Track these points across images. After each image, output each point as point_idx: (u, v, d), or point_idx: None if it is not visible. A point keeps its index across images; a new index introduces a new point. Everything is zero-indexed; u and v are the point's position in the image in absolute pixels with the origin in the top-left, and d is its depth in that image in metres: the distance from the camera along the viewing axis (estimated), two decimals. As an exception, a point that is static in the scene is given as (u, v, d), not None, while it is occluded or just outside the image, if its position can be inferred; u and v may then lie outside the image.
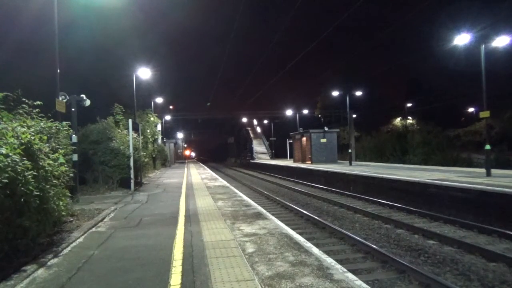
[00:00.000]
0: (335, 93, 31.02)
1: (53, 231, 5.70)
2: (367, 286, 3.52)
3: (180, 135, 58.85)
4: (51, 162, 5.34)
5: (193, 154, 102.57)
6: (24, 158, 4.42)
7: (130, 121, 12.75)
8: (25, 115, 6.08)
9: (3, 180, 3.87)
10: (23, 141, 4.72)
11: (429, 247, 6.85)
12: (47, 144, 5.70)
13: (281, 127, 50.32)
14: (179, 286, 3.53)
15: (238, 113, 55.94)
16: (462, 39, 13.21)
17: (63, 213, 5.90)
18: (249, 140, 53.46)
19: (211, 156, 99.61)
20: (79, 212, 7.62)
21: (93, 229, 6.29)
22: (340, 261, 5.07)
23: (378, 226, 8.71)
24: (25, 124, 5.50)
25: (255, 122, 57.13)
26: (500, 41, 12.18)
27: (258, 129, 55.80)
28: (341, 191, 14.84)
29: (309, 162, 26.94)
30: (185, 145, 73.88)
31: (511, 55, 23.84)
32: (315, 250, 4.72)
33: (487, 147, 12.36)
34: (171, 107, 48.22)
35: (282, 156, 44.47)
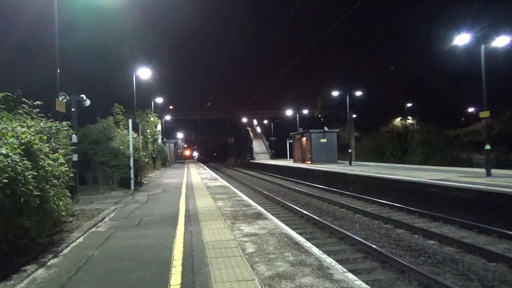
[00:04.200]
0: (335, 93, 31.07)
1: (53, 231, 5.70)
2: (367, 286, 3.52)
3: (180, 135, 58.84)
4: (51, 162, 5.34)
5: (193, 154, 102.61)
6: (24, 158, 4.42)
7: (130, 121, 12.75)
8: (25, 115, 6.07)
9: (3, 180, 3.87)
10: (23, 141, 4.72)
11: (429, 247, 6.85)
12: (47, 144, 5.70)
13: (281, 127, 50.35)
14: (179, 286, 3.53)
15: (238, 113, 56.02)
16: (462, 39, 13.22)
17: (63, 213, 5.90)
18: (249, 140, 53.47)
19: (211, 156, 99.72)
20: (79, 212, 7.62)
21: (93, 229, 6.29)
22: (340, 261, 5.07)
23: (378, 226, 8.71)
24: (25, 124, 5.50)
25: (255, 122, 57.17)
26: (500, 41, 12.18)
27: (258, 129, 55.81)
28: (341, 191, 14.84)
29: (309, 162, 26.93)
30: (185, 145, 73.86)
31: (511, 55, 23.83)
32: (315, 250, 4.72)
33: (487, 147, 12.36)
34: (171, 107, 48.31)
35: (282, 156, 44.47)
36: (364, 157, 34.90)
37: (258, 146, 50.46)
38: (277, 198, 13.64)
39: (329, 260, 4.26)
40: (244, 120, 56.08)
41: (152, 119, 25.01)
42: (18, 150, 4.40)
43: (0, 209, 3.96)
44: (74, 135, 9.10)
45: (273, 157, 46.23)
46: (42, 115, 6.57)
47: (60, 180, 5.72)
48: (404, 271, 5.48)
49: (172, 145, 42.10)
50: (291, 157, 36.55)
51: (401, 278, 5.34)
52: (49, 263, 4.37)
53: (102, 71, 23.70)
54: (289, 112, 46.55)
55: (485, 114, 12.32)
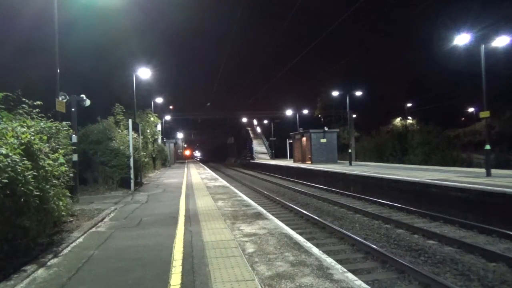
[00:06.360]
0: (335, 93, 31.05)
1: (53, 231, 5.71)
2: (367, 286, 3.52)
3: (180, 135, 58.81)
4: (51, 162, 5.34)
5: (193, 154, 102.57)
6: (24, 158, 4.42)
7: (130, 121, 12.75)
8: (25, 115, 6.08)
9: (3, 180, 3.87)
10: (23, 141, 4.72)
11: (429, 247, 6.85)
12: (47, 144, 5.70)
13: (281, 127, 50.28)
14: (179, 286, 3.53)
15: (238, 113, 55.88)
16: (462, 39, 13.21)
17: (63, 213, 5.90)
18: (249, 140, 53.49)
19: (211, 156, 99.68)
20: (79, 212, 7.62)
21: (93, 229, 6.29)
22: (340, 261, 5.07)
23: (378, 226, 8.71)
24: (25, 124, 5.50)
25: (255, 122, 57.13)
26: (500, 41, 12.17)
27: (258, 129, 55.82)
28: (341, 191, 14.83)
29: (309, 162, 26.94)
30: (185, 145, 73.81)
31: (511, 55, 23.82)
32: (315, 250, 4.72)
33: (487, 147, 12.36)
34: (171, 107, 48.25)
35: (282, 156, 44.46)
36: (364, 157, 34.93)
37: (258, 146, 50.47)
38: (277, 198, 13.64)
39: (329, 260, 4.26)
40: (244, 120, 56.00)
41: (152, 119, 25.02)
42: (18, 150, 4.40)
43: (0, 209, 3.96)
44: (74, 135, 9.10)
45: (273, 157, 46.23)
46: (42, 115, 6.57)
47: (60, 180, 5.72)
48: (404, 271, 5.48)
49: (172, 145, 42.09)
50: (291, 157, 36.55)
51: (401, 278, 5.35)
52: (49, 263, 4.37)
53: (102, 71, 23.73)
54: (289, 112, 46.47)
55: (485, 114, 12.31)
